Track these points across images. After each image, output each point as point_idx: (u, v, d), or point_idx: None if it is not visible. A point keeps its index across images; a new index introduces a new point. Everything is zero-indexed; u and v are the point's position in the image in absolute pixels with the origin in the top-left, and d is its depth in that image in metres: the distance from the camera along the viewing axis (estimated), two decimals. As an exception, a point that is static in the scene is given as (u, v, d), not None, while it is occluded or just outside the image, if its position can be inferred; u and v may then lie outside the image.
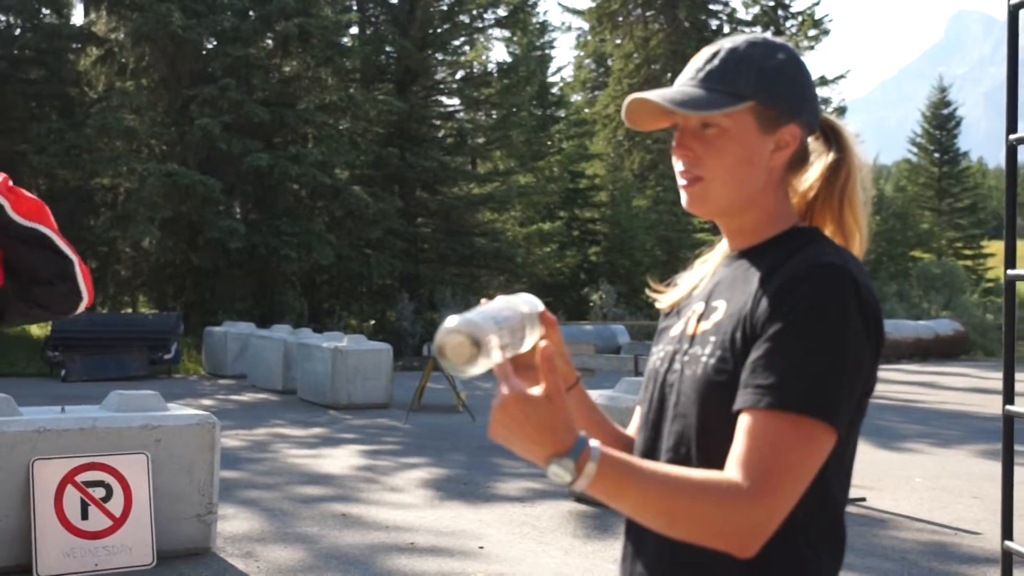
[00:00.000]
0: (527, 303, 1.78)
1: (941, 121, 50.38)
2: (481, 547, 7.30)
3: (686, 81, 1.77)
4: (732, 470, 1.55)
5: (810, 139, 1.82)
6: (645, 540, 1.74)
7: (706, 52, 1.78)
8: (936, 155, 50.28)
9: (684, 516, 1.53)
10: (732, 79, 1.71)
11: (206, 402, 15.84)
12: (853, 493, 9.17)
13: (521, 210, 34.37)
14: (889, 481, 10.16)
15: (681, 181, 1.77)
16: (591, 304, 33.81)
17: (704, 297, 1.81)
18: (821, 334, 1.57)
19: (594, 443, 1.52)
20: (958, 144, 50.97)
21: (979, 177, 51.28)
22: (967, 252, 47.97)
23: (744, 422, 1.57)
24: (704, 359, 1.68)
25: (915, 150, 51.68)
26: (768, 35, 1.80)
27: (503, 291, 33.39)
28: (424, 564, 6.79)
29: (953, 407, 17.05)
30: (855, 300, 1.59)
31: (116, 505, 6.43)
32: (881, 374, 23.24)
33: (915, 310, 34.65)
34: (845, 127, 1.84)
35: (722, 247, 1.89)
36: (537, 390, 1.51)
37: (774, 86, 1.72)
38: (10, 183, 2.50)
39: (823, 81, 40.41)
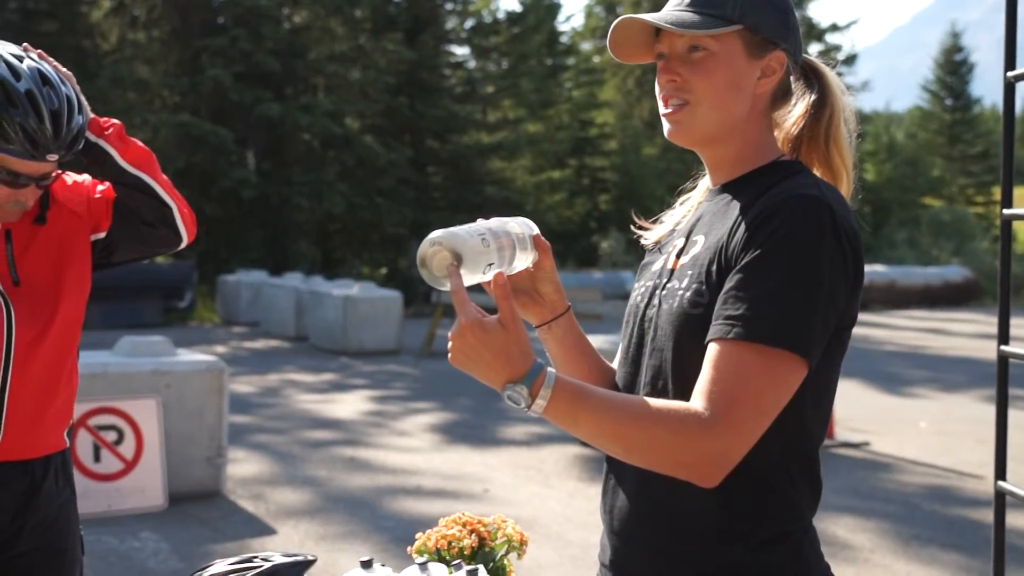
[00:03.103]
0: (520, 225, 1.78)
1: (953, 67, 49.81)
2: (486, 490, 7.42)
3: (672, 7, 1.76)
4: (696, 400, 1.55)
5: (792, 79, 1.81)
6: (625, 474, 1.75)
7: None
8: (948, 102, 49.79)
9: (642, 443, 1.55)
10: (719, 3, 1.71)
11: (219, 349, 15.99)
12: (858, 438, 9.31)
13: (531, 158, 34.31)
14: (894, 426, 10.22)
15: (666, 109, 1.75)
16: (600, 252, 33.84)
17: (685, 232, 1.80)
18: (794, 264, 1.55)
19: (551, 370, 1.55)
20: (970, 90, 50.44)
21: (991, 123, 50.68)
22: (978, 199, 47.60)
23: (711, 352, 1.57)
24: (681, 292, 1.67)
25: (927, 96, 51.21)
26: None
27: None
28: (430, 506, 6.92)
29: (960, 352, 17.07)
30: (831, 231, 1.57)
31: (128, 448, 6.56)
32: (888, 320, 23.12)
33: (925, 257, 34.52)
34: (826, 68, 1.83)
35: (704, 183, 1.88)
36: (493, 318, 1.54)
37: (760, 11, 1.72)
38: (123, 131, 2.73)
39: (834, 28, 39.97)
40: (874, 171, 44.02)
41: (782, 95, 1.81)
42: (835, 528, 6.56)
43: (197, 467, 6.95)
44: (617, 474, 1.78)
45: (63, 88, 2.50)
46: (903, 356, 16.49)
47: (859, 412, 10.66)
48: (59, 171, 2.54)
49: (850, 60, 40.57)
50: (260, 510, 6.75)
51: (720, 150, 1.78)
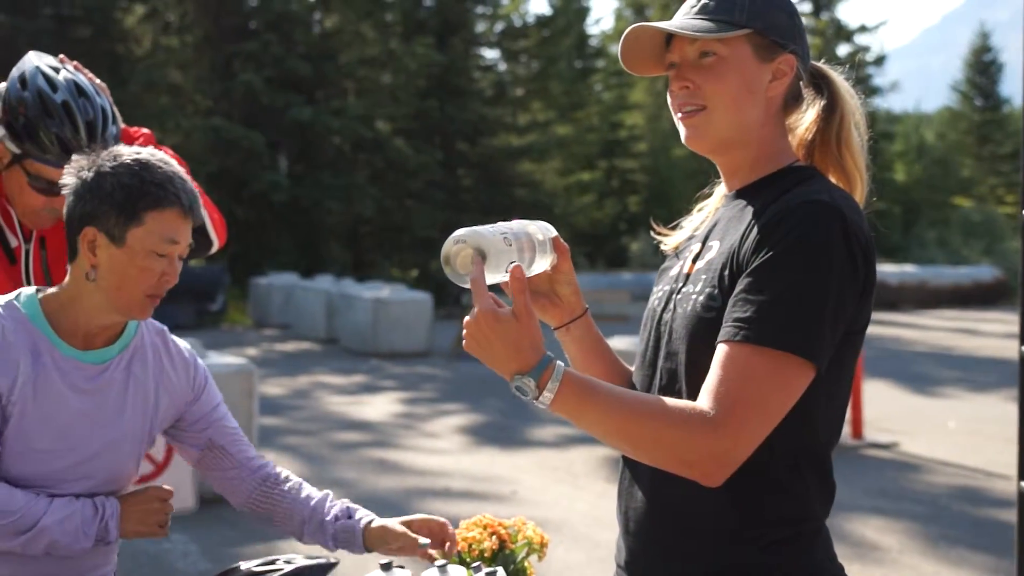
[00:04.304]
0: (540, 229, 1.81)
1: (983, 67, 49.37)
2: (515, 491, 7.46)
3: (681, 16, 1.79)
4: (702, 399, 1.58)
5: (802, 85, 1.84)
6: (639, 476, 1.78)
7: None
8: (977, 102, 49.35)
9: (647, 440, 1.58)
10: (727, 9, 1.74)
11: (250, 351, 16.13)
12: (887, 438, 9.29)
13: (560, 161, 34.30)
14: (923, 426, 10.18)
15: (679, 115, 1.79)
16: (630, 254, 33.79)
17: (701, 238, 1.83)
18: (803, 268, 1.58)
19: (559, 364, 1.59)
20: (1000, 90, 49.96)
21: (1021, 123, 50.12)
22: (1009, 199, 47.11)
23: (719, 354, 1.60)
24: (695, 296, 1.71)
25: (956, 97, 50.80)
26: None
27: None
28: (458, 508, 6.96)
29: (990, 353, 16.91)
30: (841, 235, 1.60)
31: (158, 450, 6.65)
32: (918, 320, 22.92)
33: (955, 256, 34.21)
34: (834, 73, 1.86)
35: (721, 190, 1.92)
36: (507, 309, 1.58)
37: (768, 15, 1.75)
38: (154, 141, 2.82)
39: (863, 29, 39.67)
40: (904, 171, 43.69)
41: (793, 99, 1.84)
42: (863, 529, 6.57)
43: (229, 468, 7.02)
44: (632, 475, 1.82)
45: (97, 99, 2.58)
46: (933, 356, 16.39)
47: (888, 412, 10.63)
48: None
49: (879, 61, 40.20)
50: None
51: (736, 155, 1.81)
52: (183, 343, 2.31)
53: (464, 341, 1.62)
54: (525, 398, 1.59)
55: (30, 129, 2.50)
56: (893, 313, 24.10)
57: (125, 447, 2.12)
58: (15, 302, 2.05)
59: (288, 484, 2.29)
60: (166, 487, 2.14)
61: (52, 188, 2.53)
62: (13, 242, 2.65)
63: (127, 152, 2.03)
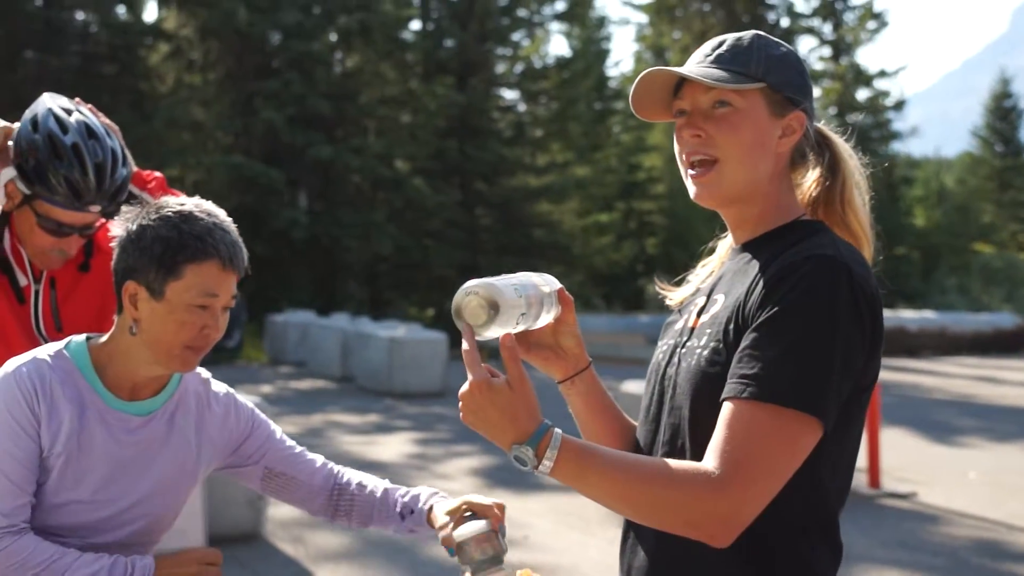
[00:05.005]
0: (546, 281, 1.80)
1: (1003, 113, 49.46)
2: (526, 536, 7.38)
3: (695, 63, 1.77)
4: (707, 459, 1.55)
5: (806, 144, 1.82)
6: (643, 532, 1.75)
7: (712, 42, 1.79)
8: (998, 147, 49.39)
9: (651, 504, 1.55)
10: (743, 62, 1.73)
11: (265, 388, 16.13)
12: (904, 488, 9.17)
13: (578, 202, 34.39)
14: (942, 476, 10.05)
15: (691, 171, 1.76)
16: (647, 296, 33.75)
17: (707, 291, 1.81)
18: (809, 324, 1.55)
19: (557, 431, 1.56)
20: (1021, 136, 49.99)
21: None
22: (1030, 245, 47.11)
23: (725, 411, 1.57)
24: (699, 351, 1.68)
25: (977, 142, 50.87)
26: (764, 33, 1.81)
27: (561, 282, 33.43)
28: (470, 551, 6.89)
29: (1012, 401, 16.72)
30: (848, 291, 1.57)
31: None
32: (938, 368, 22.75)
33: (976, 303, 34.08)
34: (834, 134, 1.85)
35: (727, 242, 1.90)
36: (502, 378, 1.56)
37: (781, 71, 1.74)
38: (165, 184, 2.87)
39: (883, 74, 39.75)
40: (924, 216, 43.63)
41: (800, 157, 1.82)
42: (879, 582, 6.47)
43: (237, 509, 6.99)
44: (635, 532, 1.78)
45: (108, 141, 2.58)
46: (953, 404, 16.23)
47: (907, 461, 10.50)
48: (103, 220, 2.61)
49: (899, 106, 40.20)
50: (300, 553, 6.78)
51: (744, 209, 1.79)
52: (224, 387, 2.29)
53: (461, 413, 1.60)
54: (524, 468, 1.56)
55: (40, 171, 2.51)
56: (912, 360, 23.93)
57: (166, 496, 2.12)
58: (65, 352, 2.05)
59: (352, 486, 2.29)
60: (212, 550, 2.08)
61: (61, 229, 2.56)
62: (23, 281, 2.66)
63: (171, 204, 2.02)
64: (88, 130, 2.55)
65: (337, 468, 2.33)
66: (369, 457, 10.42)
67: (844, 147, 1.84)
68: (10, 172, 2.57)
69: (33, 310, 2.66)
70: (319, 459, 2.33)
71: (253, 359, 22.24)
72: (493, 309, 1.58)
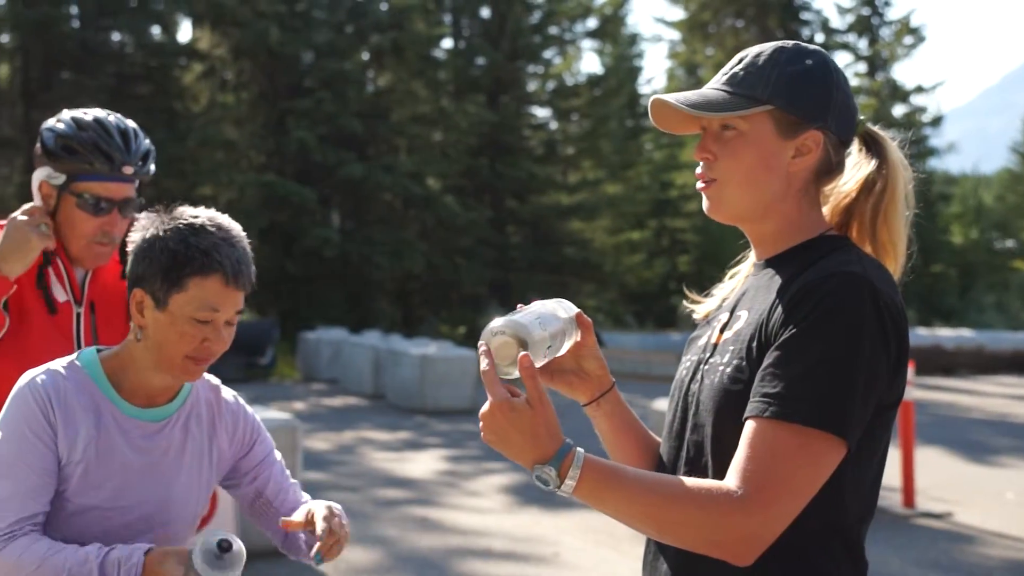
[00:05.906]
0: (565, 309, 1.80)
1: (1042, 130, 49.00)
2: (556, 553, 7.36)
3: (714, 82, 1.77)
4: (730, 478, 1.55)
5: (854, 149, 1.79)
6: (665, 549, 1.74)
7: (736, 57, 1.78)
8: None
9: (674, 523, 1.55)
10: (751, 84, 1.71)
11: (298, 406, 16.18)
12: (940, 508, 9.06)
13: (610, 219, 34.38)
14: (978, 496, 9.92)
15: (699, 184, 1.78)
16: (679, 313, 33.63)
17: (730, 307, 1.80)
18: (832, 342, 1.54)
19: (579, 450, 1.55)
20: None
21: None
22: (1071, 263, 46.56)
23: (747, 430, 1.56)
24: (722, 368, 1.67)
25: (1016, 158, 50.34)
26: (803, 43, 1.78)
27: (593, 300, 33.55)
28: (499, 569, 6.89)
29: (1052, 422, 16.53)
30: (872, 308, 1.55)
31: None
32: (976, 386, 22.48)
33: (1015, 321, 33.71)
34: (889, 139, 1.79)
35: (752, 257, 1.88)
36: (522, 398, 1.55)
37: (794, 91, 1.70)
38: None
39: (920, 89, 39.50)
40: (961, 233, 43.21)
41: (827, 171, 1.77)
42: (913, 602, 6.39)
43: (269, 524, 7.00)
44: (657, 549, 1.78)
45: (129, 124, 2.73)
46: (990, 424, 16.02)
47: (942, 481, 10.38)
48: (137, 212, 2.64)
49: (936, 122, 39.86)
50: (329, 568, 6.78)
51: (757, 227, 1.79)
52: (231, 393, 2.30)
53: (482, 433, 1.60)
54: (547, 488, 1.56)
55: (68, 147, 2.63)
56: (949, 378, 23.65)
57: (182, 503, 2.13)
58: (77, 362, 2.08)
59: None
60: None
61: (99, 205, 2.64)
62: (61, 297, 2.69)
63: (185, 214, 2.04)
64: (105, 115, 2.72)
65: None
66: (400, 474, 10.43)
67: (897, 155, 1.78)
68: (41, 174, 2.68)
69: (76, 335, 2.71)
70: (304, 496, 2.33)
71: (286, 376, 22.33)
72: (521, 347, 1.59)
